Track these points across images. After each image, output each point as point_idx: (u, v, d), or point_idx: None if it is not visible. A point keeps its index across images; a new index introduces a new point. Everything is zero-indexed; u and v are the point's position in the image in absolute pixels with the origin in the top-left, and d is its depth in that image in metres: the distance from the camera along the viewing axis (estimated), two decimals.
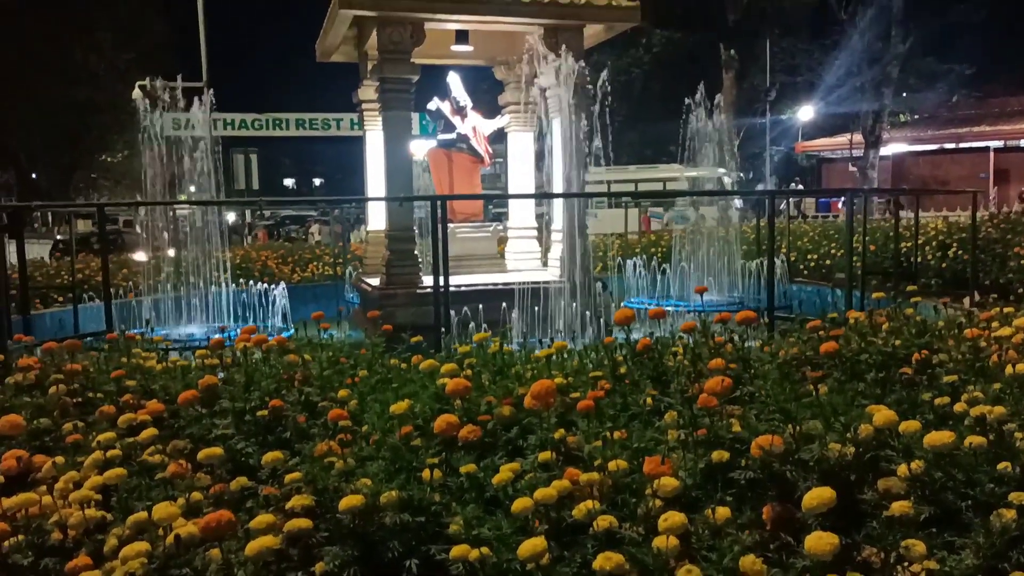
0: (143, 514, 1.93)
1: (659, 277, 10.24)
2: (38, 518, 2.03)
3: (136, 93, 14.25)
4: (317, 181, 56.35)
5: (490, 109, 10.69)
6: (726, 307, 8.64)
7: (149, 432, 2.55)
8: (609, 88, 8.45)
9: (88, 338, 5.67)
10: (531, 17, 8.46)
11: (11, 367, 3.37)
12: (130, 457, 2.45)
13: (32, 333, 5.50)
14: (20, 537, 1.95)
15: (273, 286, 9.71)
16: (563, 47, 8.34)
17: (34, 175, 32.42)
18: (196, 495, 2.08)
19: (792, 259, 11.77)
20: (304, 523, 1.90)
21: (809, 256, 12.44)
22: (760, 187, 31.95)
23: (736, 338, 3.13)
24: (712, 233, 10.41)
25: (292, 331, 6.34)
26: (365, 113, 10.23)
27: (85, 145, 29.44)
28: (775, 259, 6.92)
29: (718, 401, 2.21)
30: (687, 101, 10.59)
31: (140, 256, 9.63)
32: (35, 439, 2.66)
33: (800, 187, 38.62)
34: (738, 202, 13.93)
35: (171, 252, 9.81)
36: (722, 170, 13.28)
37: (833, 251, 12.07)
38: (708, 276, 10.04)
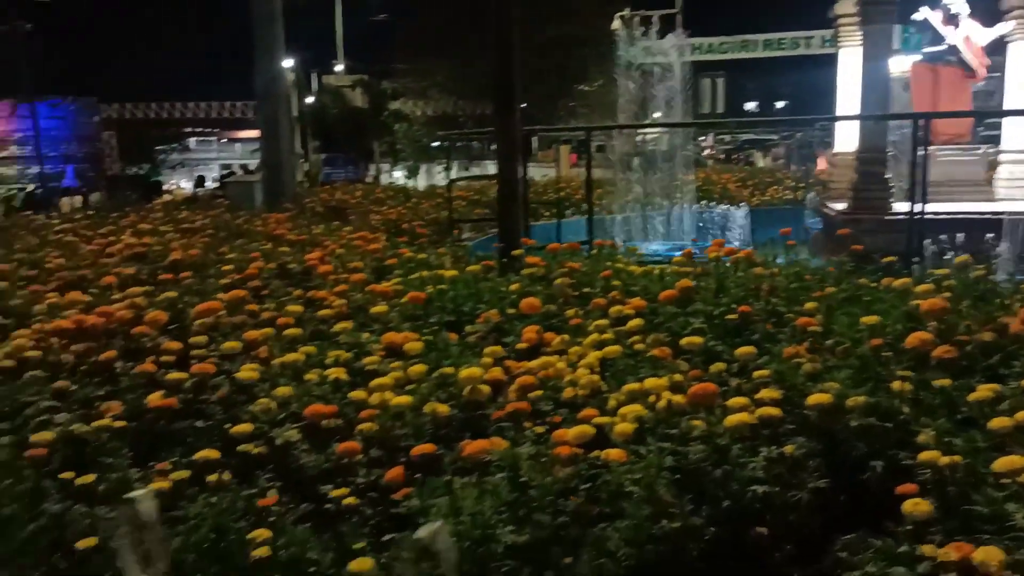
0: (636, 384, 2.30)
1: None
2: (553, 379, 2.52)
3: (616, 24, 15.19)
4: (779, 104, 54.48)
5: (988, 16, 9.42)
6: None
7: (636, 322, 2.95)
8: None
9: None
10: None
11: (523, 263, 4.07)
12: (618, 342, 2.86)
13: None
14: (540, 392, 2.45)
15: (734, 208, 9.95)
16: None
17: (524, 104, 36.62)
18: (677, 376, 2.39)
19: None
20: (774, 411, 2.10)
21: None
22: None
23: None
24: None
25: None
26: (841, 29, 9.74)
27: (568, 76, 32.22)
28: None
29: None
30: None
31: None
32: (544, 320, 3.23)
33: None
34: None
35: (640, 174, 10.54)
36: None
37: None
38: None
